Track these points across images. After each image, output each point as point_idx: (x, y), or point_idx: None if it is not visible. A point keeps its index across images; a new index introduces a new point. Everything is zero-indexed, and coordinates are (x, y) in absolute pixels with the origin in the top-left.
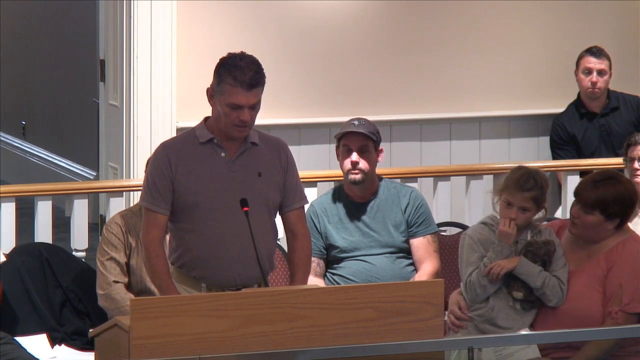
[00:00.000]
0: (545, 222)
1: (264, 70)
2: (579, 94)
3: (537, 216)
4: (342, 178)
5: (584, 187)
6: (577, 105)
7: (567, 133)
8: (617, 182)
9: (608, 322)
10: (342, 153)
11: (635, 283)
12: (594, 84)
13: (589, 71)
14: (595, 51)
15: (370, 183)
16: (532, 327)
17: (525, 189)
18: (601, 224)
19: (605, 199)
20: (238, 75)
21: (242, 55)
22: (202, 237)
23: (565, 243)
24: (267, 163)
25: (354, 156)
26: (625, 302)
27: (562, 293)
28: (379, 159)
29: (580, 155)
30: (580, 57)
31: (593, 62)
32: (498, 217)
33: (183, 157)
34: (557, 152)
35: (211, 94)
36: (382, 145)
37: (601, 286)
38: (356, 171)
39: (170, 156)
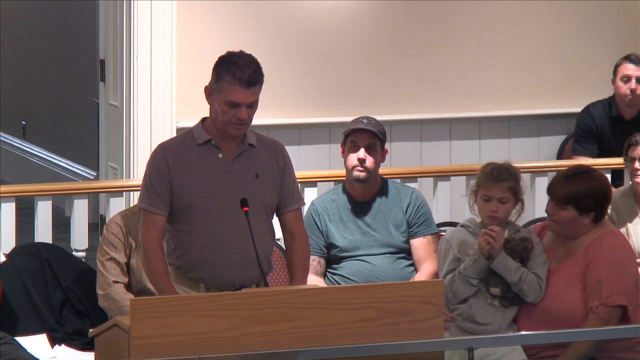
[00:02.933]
0: (533, 225)
1: (263, 70)
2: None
3: (515, 209)
4: (342, 178)
5: (556, 183)
6: (611, 105)
7: (595, 125)
8: (588, 177)
9: (590, 318)
10: (349, 149)
11: (615, 276)
12: (633, 91)
13: (627, 78)
14: (634, 58)
15: (373, 182)
16: (515, 324)
17: (500, 179)
18: (576, 218)
19: (577, 194)
20: (237, 73)
21: (241, 54)
22: (200, 238)
23: (546, 242)
24: (264, 164)
25: (361, 153)
26: (605, 295)
27: (540, 289)
28: (383, 159)
29: (600, 152)
30: (618, 65)
31: (632, 70)
32: (477, 220)
33: (181, 158)
34: (581, 144)
35: (209, 92)
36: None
37: (581, 283)
38: (362, 168)
39: (168, 157)
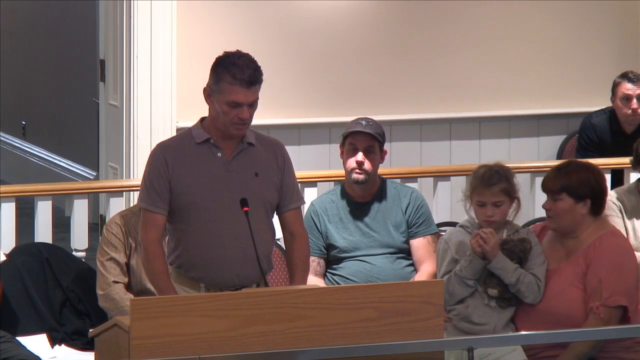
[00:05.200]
0: (533, 226)
1: (263, 70)
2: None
3: (512, 208)
4: (342, 178)
5: (548, 177)
6: (612, 118)
7: (596, 136)
8: (579, 167)
9: (591, 318)
10: (347, 151)
11: (615, 276)
12: (634, 110)
13: (627, 98)
14: (632, 77)
15: (372, 183)
16: (514, 325)
17: (491, 184)
18: (572, 208)
19: (570, 182)
20: (237, 74)
21: (239, 54)
22: (200, 238)
23: (546, 243)
24: (263, 163)
25: (360, 156)
26: (605, 296)
27: (538, 290)
28: (382, 160)
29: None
30: (616, 83)
31: (631, 89)
32: (475, 220)
33: (180, 158)
34: (584, 156)
35: (208, 93)
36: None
37: (581, 283)
38: (360, 171)
39: (167, 156)
